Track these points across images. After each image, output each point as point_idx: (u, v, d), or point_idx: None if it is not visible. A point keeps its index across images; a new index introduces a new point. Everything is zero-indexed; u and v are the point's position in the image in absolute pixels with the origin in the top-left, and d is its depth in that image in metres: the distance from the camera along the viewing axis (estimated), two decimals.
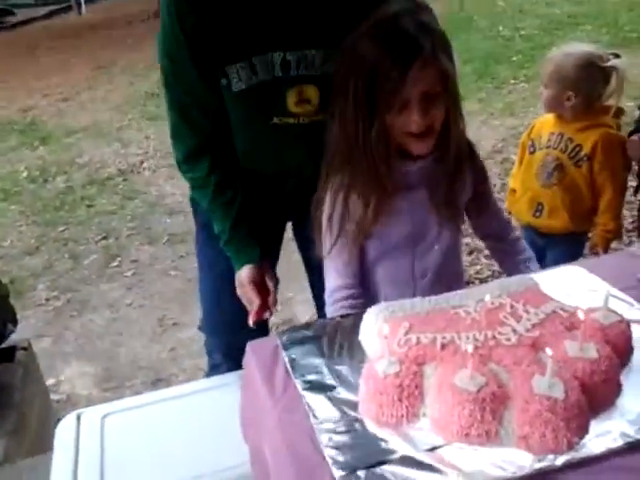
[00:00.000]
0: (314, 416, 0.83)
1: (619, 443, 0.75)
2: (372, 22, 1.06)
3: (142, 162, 4.77)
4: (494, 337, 0.88)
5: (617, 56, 1.90)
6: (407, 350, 0.86)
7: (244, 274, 1.30)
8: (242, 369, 1.03)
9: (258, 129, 1.25)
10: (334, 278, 1.22)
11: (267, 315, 1.31)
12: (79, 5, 13.38)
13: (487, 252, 2.84)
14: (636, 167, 2.05)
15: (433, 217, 1.18)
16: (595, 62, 1.85)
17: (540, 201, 2.01)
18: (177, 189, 4.11)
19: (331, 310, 1.21)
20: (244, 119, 1.24)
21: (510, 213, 2.17)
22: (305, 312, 2.68)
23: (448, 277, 1.21)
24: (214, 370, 1.55)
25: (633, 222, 2.76)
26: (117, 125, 5.76)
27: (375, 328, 0.94)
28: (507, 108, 4.89)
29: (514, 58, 6.01)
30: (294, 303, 2.80)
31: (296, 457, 0.79)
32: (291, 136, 1.25)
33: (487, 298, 0.94)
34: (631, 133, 1.95)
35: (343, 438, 0.80)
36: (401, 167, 1.14)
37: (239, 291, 1.33)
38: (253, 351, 1.00)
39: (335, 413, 0.84)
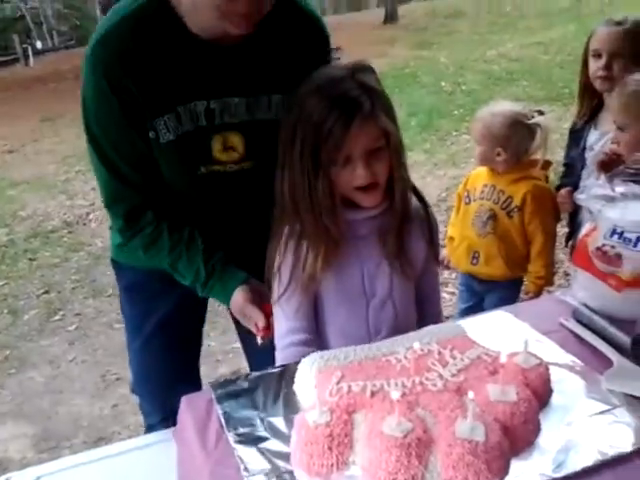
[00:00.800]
0: (245, 469, 0.83)
1: None
2: (318, 82, 1.12)
3: (88, 214, 4.72)
4: (421, 383, 0.91)
5: (541, 113, 2.02)
6: (338, 399, 0.88)
7: (240, 298, 1.23)
8: None
9: (186, 180, 1.25)
10: (283, 322, 1.21)
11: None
12: (27, 57, 13.35)
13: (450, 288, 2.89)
14: (567, 216, 2.16)
15: (385, 269, 1.19)
16: (520, 120, 1.97)
17: (476, 249, 2.09)
18: None
19: (282, 356, 1.18)
20: (173, 171, 1.24)
21: (449, 261, 2.24)
22: None
23: (402, 331, 1.17)
24: (151, 430, 1.53)
25: (570, 266, 2.89)
26: (63, 177, 5.70)
27: (310, 377, 0.96)
28: (450, 159, 5.09)
29: (456, 112, 6.29)
30: (241, 353, 2.78)
31: None
32: (219, 185, 1.26)
33: (416, 345, 0.98)
34: (558, 187, 2.07)
35: None
36: (347, 216, 1.17)
37: (239, 316, 1.26)
38: (188, 405, 0.99)
39: (266, 465, 0.84)
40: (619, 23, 1.84)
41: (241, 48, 1.19)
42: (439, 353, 0.98)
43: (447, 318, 1.98)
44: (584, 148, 1.97)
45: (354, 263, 1.19)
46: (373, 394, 0.89)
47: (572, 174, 2.02)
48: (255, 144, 1.25)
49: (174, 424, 1.27)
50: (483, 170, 2.13)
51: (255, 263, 1.22)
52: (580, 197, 1.15)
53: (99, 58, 1.15)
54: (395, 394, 0.82)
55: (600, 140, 1.91)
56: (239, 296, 1.24)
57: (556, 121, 5.64)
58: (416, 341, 0.99)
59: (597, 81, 1.87)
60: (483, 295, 2.14)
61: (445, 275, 3.03)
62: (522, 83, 7.09)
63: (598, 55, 1.85)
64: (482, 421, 0.81)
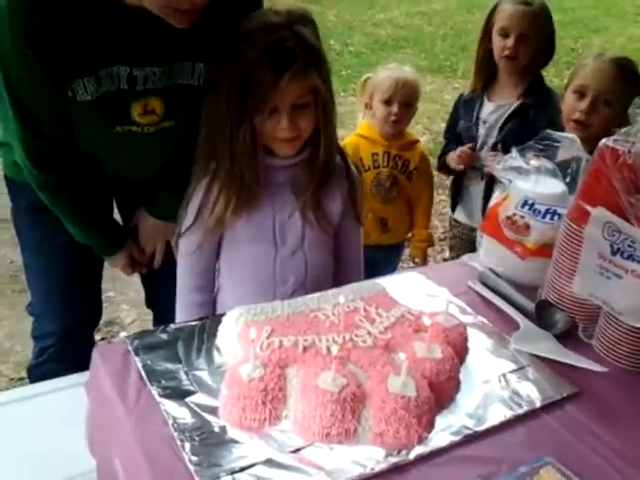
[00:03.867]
0: (174, 424, 0.80)
1: (459, 436, 0.82)
2: (255, 28, 1.09)
3: None
4: (351, 339, 0.92)
5: None
6: (270, 353, 0.87)
7: (119, 264, 1.46)
8: (71, 351, 0.96)
9: (100, 136, 1.25)
10: (185, 258, 1.24)
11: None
12: None
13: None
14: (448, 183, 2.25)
15: (297, 220, 1.19)
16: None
17: (383, 217, 2.09)
18: None
19: (181, 301, 1.25)
20: (87, 127, 1.23)
21: None
22: (129, 313, 2.58)
23: (312, 284, 1.21)
24: (42, 354, 1.51)
25: (444, 232, 3.05)
26: None
27: (235, 331, 0.94)
28: (337, 119, 5.11)
29: (343, 72, 6.31)
30: (117, 302, 2.66)
31: (155, 467, 0.75)
32: (134, 143, 1.27)
33: (342, 300, 0.99)
34: (440, 156, 2.14)
35: (204, 445, 0.78)
36: (264, 161, 1.16)
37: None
38: (101, 356, 0.93)
39: (194, 420, 0.81)
40: (526, 3, 1.86)
41: None
42: (365, 310, 0.99)
43: None
44: (477, 119, 2.03)
45: (267, 210, 1.19)
46: (305, 349, 0.89)
47: (456, 146, 2.05)
48: (174, 106, 1.24)
49: (68, 349, 1.42)
50: (360, 140, 2.08)
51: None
52: (497, 168, 1.20)
53: (18, 14, 1.06)
54: (334, 349, 0.82)
55: (495, 112, 1.97)
56: (119, 262, 1.46)
57: (438, 92, 5.91)
58: (340, 296, 1.01)
59: (502, 60, 1.90)
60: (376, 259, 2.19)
61: None
62: (407, 51, 7.26)
63: (505, 34, 1.87)
64: (412, 377, 0.83)
